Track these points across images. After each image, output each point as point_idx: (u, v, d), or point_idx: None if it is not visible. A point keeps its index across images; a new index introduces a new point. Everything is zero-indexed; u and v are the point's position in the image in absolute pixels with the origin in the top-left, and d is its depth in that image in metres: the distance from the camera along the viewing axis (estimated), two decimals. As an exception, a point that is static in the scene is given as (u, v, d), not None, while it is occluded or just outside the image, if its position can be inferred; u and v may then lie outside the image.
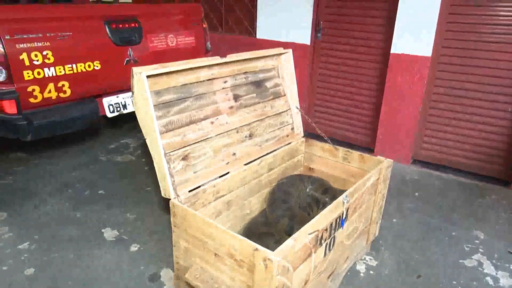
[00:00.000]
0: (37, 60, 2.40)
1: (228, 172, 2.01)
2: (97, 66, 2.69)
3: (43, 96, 2.45)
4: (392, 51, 3.33)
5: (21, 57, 2.33)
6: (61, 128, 2.54)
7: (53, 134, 2.54)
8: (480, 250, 2.39)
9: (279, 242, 1.57)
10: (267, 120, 2.36)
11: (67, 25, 2.53)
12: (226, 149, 2.09)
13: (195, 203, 1.84)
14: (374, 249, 2.37)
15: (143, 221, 2.61)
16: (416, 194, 3.04)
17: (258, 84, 2.40)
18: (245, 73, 2.33)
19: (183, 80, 1.99)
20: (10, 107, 2.31)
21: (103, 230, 2.51)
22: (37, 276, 2.08)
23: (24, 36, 2.33)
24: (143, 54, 2.95)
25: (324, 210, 1.62)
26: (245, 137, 2.22)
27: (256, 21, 4.29)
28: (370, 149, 3.77)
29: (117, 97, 2.92)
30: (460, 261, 2.29)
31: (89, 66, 2.65)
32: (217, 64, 2.11)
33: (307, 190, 2.24)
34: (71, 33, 2.53)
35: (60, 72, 2.51)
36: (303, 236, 1.49)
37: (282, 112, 2.47)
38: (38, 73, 2.41)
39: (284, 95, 2.51)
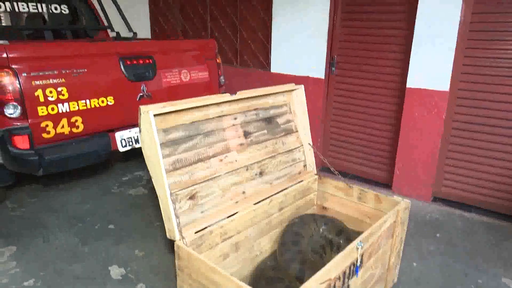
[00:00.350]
0: (52, 97, 2.43)
1: (236, 212, 1.94)
2: (110, 102, 2.72)
3: (55, 132, 2.47)
4: (408, 85, 3.26)
5: (36, 94, 2.37)
6: (72, 163, 2.54)
7: (64, 169, 2.54)
8: (509, 299, 2.21)
9: (288, 290, 1.47)
10: (278, 157, 2.30)
11: (82, 61, 2.58)
12: (235, 188, 2.03)
13: (201, 245, 1.76)
14: (392, 296, 2.22)
15: (151, 259, 2.53)
16: (438, 235, 2.88)
17: (269, 121, 2.36)
18: (255, 109, 2.29)
19: (191, 118, 1.96)
20: (22, 143, 2.33)
21: (109, 268, 2.44)
22: (38, 318, 2.02)
23: (40, 73, 2.38)
24: (157, 89, 2.97)
25: (337, 256, 1.52)
26: (255, 174, 2.16)
27: (270, 55, 4.32)
28: (387, 185, 3.64)
29: (129, 131, 2.92)
30: (487, 312, 2.11)
31: (102, 101, 2.68)
32: (227, 101, 2.09)
33: (320, 231, 2.14)
34: (86, 70, 2.58)
35: (74, 107, 2.54)
36: (314, 285, 1.39)
37: (294, 148, 2.41)
38: (52, 109, 2.44)
39: (296, 131, 2.46)
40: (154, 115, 1.67)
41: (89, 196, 3.46)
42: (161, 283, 2.29)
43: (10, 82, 2.28)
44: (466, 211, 3.21)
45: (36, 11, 4.10)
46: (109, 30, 4.61)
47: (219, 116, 2.09)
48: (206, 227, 1.79)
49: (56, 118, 2.47)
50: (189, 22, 5.28)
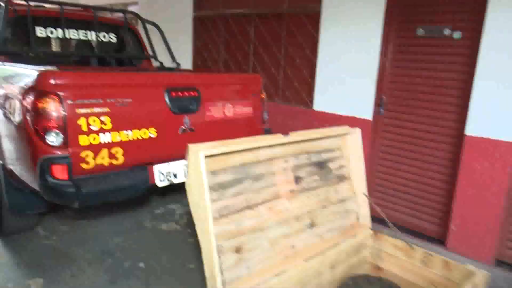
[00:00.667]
0: (94, 126, 2.35)
1: (285, 270, 1.72)
2: (152, 134, 2.61)
3: (95, 163, 2.36)
4: (466, 132, 3.00)
5: (79, 122, 2.29)
6: (109, 197, 2.42)
7: (101, 202, 2.41)
8: None
9: None
10: (330, 206, 2.09)
11: (127, 91, 2.50)
12: (284, 241, 1.82)
13: (246, 307, 1.55)
14: None
15: (182, 309, 2.32)
16: (504, 306, 2.52)
17: (321, 165, 2.16)
18: (307, 152, 2.11)
19: (241, 159, 1.80)
20: (61, 173, 2.23)
21: (137, 314, 2.25)
22: None
23: (85, 102, 2.31)
24: (200, 123, 2.86)
25: None
26: (306, 226, 1.94)
27: (314, 93, 4.18)
28: (440, 241, 3.30)
29: (168, 165, 2.79)
30: None
31: (144, 133, 2.57)
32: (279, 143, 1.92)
33: (376, 296, 1.87)
34: (131, 100, 2.50)
35: (116, 138, 2.44)
36: None
37: (347, 198, 2.19)
38: (94, 139, 2.35)
39: (350, 178, 2.25)
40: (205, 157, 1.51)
41: (120, 228, 3.32)
42: None
43: (55, 109, 2.21)
44: (534, 279, 2.82)
45: (85, 38, 4.17)
46: (152, 60, 4.64)
47: (270, 159, 1.91)
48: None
49: (96, 149, 2.37)
50: (232, 56, 5.27)
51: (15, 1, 3.76)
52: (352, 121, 3.72)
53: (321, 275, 1.90)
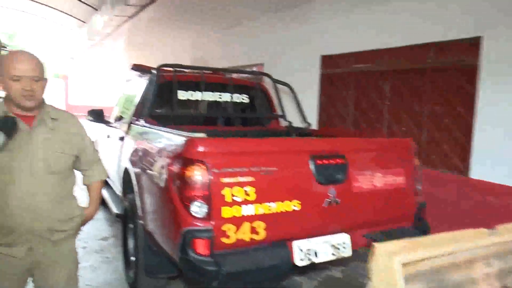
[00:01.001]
0: (238, 197, 2.16)
1: None
2: (296, 206, 2.33)
3: (236, 237, 2.15)
4: None
5: (223, 193, 2.13)
6: (250, 278, 2.15)
7: (239, 285, 2.16)
8: None
9: None
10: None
11: (272, 159, 2.30)
12: None
13: None
14: None
15: None
16: None
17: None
18: (514, 251, 1.55)
19: (432, 262, 1.35)
20: (203, 248, 2.05)
21: None
22: None
23: (230, 170, 2.15)
24: (346, 194, 2.50)
25: None
26: None
27: (470, 157, 3.51)
28: None
29: (309, 241, 2.45)
30: None
31: (287, 205, 2.30)
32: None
33: None
34: (275, 168, 2.28)
35: (259, 211, 2.21)
36: None
37: None
38: (237, 211, 2.15)
39: None
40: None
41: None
42: None
43: (201, 178, 2.09)
44: None
45: (220, 100, 4.28)
46: (281, 120, 4.55)
47: (469, 261, 1.42)
48: None
49: (239, 222, 2.16)
50: (363, 114, 4.91)
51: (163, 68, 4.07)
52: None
53: None
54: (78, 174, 2.08)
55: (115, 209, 4.07)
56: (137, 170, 3.03)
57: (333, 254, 2.49)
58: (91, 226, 4.26)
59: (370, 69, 4.72)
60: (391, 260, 1.12)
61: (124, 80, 5.42)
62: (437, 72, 3.95)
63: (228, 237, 2.14)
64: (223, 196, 2.13)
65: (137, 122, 3.65)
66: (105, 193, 4.48)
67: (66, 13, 13.68)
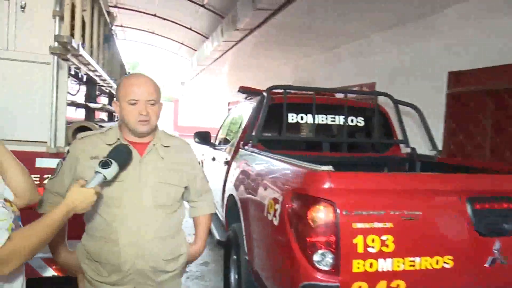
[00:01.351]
0: (373, 247, 1.71)
1: None
2: (447, 263, 1.78)
3: (369, 299, 1.69)
4: None
5: (354, 241, 1.70)
6: None
7: None
8: None
9: None
10: None
11: (417, 200, 1.80)
12: None
13: None
14: None
15: None
16: None
17: None
18: None
19: None
20: (328, 310, 1.64)
21: None
22: None
23: (364, 213, 1.72)
24: (516, 251, 1.86)
25: None
26: None
27: None
28: None
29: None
30: None
31: (436, 261, 1.77)
32: None
33: None
34: (421, 213, 1.77)
35: (399, 266, 1.72)
36: None
37: None
38: (371, 265, 1.70)
39: None
40: None
41: None
42: None
43: (327, 220, 1.70)
44: None
45: (333, 123, 3.88)
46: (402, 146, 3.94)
47: None
48: None
49: (373, 279, 1.70)
50: (508, 140, 4.02)
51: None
52: None
53: None
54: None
55: (217, 235, 3.90)
56: (244, 199, 2.77)
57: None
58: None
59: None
60: None
61: (227, 102, 5.38)
62: None
63: (359, 297, 1.69)
64: (355, 245, 1.69)
65: (244, 147, 3.43)
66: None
67: (180, 43, 14.83)
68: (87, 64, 2.65)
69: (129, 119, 1.64)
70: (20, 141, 2.49)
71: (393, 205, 1.74)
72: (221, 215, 3.74)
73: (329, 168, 1.76)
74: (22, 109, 2.53)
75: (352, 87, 6.99)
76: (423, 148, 3.78)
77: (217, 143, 5.06)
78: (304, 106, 3.75)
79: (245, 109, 4.25)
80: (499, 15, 4.19)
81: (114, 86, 4.11)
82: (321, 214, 1.70)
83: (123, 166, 1.53)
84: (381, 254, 1.71)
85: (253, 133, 3.44)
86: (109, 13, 4.27)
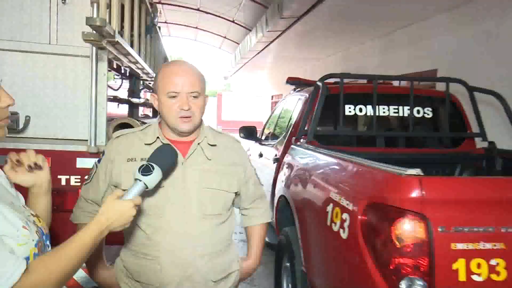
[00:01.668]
0: (479, 274, 1.32)
1: None
2: None
3: None
4: None
5: (454, 266, 1.32)
6: None
7: None
8: None
9: None
10: None
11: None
12: None
13: None
14: None
15: None
16: None
17: None
18: None
19: None
20: None
21: None
22: None
23: (466, 230, 1.33)
24: None
25: None
26: None
27: None
28: None
29: None
30: None
31: None
32: None
33: None
34: (541, 230, 1.36)
35: (513, 300, 1.33)
36: None
37: None
38: (476, 298, 1.32)
39: None
40: None
41: None
42: None
43: (418, 239, 1.33)
44: None
45: (395, 115, 3.44)
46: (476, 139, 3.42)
47: None
48: None
49: (479, 317, 1.32)
50: None
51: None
52: None
53: None
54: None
55: (267, 238, 3.61)
56: (300, 203, 2.45)
57: None
58: (240, 250, 3.90)
59: None
60: None
61: (270, 96, 5.06)
62: None
63: None
64: (455, 271, 1.31)
65: (297, 143, 3.10)
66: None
67: (223, 37, 14.73)
68: (126, 54, 2.43)
69: (168, 115, 1.37)
70: (59, 139, 2.34)
71: (506, 220, 1.34)
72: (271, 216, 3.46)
73: (417, 171, 1.38)
74: (62, 105, 2.39)
75: (408, 76, 6.41)
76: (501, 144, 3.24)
77: (263, 138, 4.81)
78: (363, 96, 3.35)
79: (295, 101, 3.92)
80: None
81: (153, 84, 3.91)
82: (410, 231, 1.33)
83: (167, 172, 1.26)
84: (490, 284, 1.32)
85: (306, 128, 3.11)
86: (151, 4, 4.09)
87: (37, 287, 0.92)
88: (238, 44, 13.05)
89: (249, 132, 4.67)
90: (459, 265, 1.31)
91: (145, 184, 1.13)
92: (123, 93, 3.76)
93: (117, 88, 3.33)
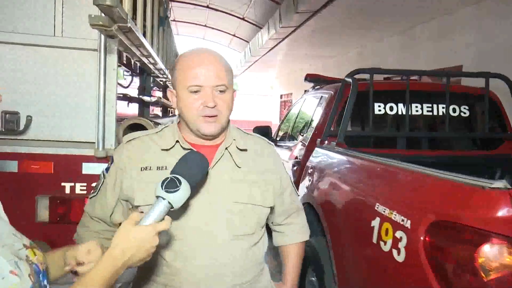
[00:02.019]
0: None
1: None
2: None
3: None
4: None
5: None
6: None
7: None
8: None
9: None
10: None
11: None
12: None
13: None
14: None
15: None
16: None
17: None
18: None
19: None
20: None
21: None
22: None
23: None
24: None
25: None
26: None
27: None
28: None
29: None
30: None
31: None
32: None
33: None
34: None
35: None
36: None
37: None
38: None
39: None
40: None
41: None
42: None
43: (509, 269, 1.05)
44: None
45: (429, 114, 3.15)
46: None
47: None
48: None
49: None
50: None
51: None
52: None
53: None
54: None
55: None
56: (332, 213, 2.18)
57: None
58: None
59: None
60: None
61: (279, 95, 4.80)
62: None
63: None
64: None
65: (323, 145, 2.83)
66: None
67: (232, 35, 14.52)
68: (139, 45, 2.17)
69: (189, 113, 1.11)
70: (63, 141, 2.09)
71: None
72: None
73: (504, 184, 1.10)
74: (66, 104, 2.14)
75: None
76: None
77: (278, 139, 4.57)
78: (393, 94, 3.07)
79: (317, 100, 3.65)
80: None
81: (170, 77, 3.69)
82: (500, 259, 1.06)
83: (196, 186, 1.00)
84: None
85: (332, 128, 2.84)
86: (163, -4, 3.84)
87: None
88: (248, 42, 12.81)
89: (264, 133, 4.42)
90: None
91: (169, 203, 0.87)
92: (133, 92, 3.52)
93: (127, 85, 3.09)
